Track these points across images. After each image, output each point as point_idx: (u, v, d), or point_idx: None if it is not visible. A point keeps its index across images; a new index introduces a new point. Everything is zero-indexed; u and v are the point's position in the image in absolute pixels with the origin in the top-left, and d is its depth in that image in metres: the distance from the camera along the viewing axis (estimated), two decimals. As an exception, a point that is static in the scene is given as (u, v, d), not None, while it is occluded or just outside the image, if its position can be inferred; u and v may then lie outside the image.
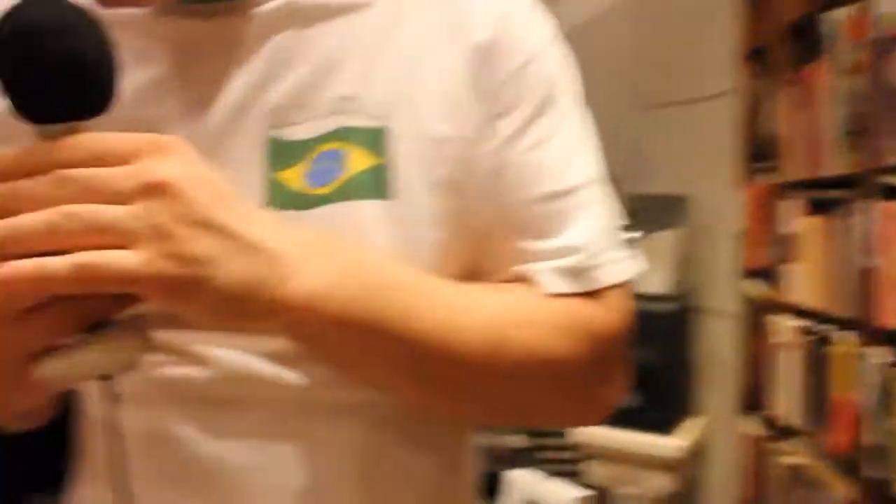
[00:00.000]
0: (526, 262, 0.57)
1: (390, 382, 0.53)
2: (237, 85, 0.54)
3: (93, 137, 0.41)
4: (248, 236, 0.43)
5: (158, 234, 0.39)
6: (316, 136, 0.54)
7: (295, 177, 0.53)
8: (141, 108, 0.53)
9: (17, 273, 0.38)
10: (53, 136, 0.40)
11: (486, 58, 0.56)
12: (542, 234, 0.57)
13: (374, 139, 0.54)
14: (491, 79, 0.57)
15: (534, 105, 0.58)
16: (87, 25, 0.41)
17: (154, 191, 0.40)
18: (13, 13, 0.39)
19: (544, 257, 0.56)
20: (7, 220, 0.38)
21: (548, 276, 0.56)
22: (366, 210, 0.53)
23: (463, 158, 0.55)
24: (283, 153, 0.53)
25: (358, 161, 0.53)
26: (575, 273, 0.56)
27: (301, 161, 0.53)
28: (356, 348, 0.50)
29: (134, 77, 0.52)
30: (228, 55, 0.54)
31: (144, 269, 0.39)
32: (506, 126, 0.57)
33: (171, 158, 0.41)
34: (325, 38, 0.55)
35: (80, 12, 0.41)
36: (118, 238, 0.39)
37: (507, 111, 0.57)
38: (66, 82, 0.40)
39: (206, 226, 0.41)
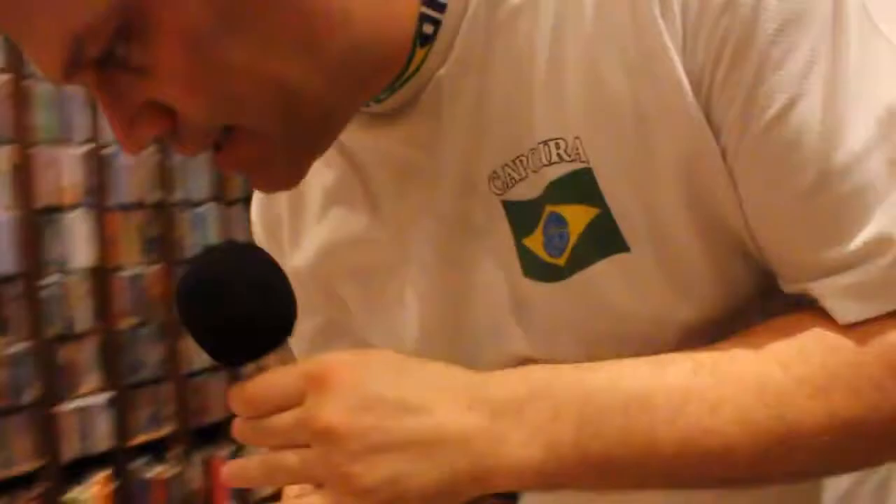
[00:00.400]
0: (804, 282, 0.43)
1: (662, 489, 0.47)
2: (450, 165, 0.50)
3: (268, 383, 0.45)
4: (430, 433, 0.43)
5: (339, 476, 0.42)
6: (536, 195, 0.48)
7: (538, 244, 0.49)
8: (375, 239, 0.55)
9: None
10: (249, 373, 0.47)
11: (670, 5, 0.40)
12: (820, 239, 0.41)
13: (582, 186, 0.45)
14: (694, 34, 0.40)
15: (766, 45, 0.40)
16: (253, 272, 0.46)
17: (323, 437, 0.42)
18: (182, 279, 0.46)
19: (829, 271, 0.41)
20: (233, 466, 0.47)
21: (840, 300, 0.41)
22: (604, 274, 0.46)
23: (690, 167, 0.43)
24: (522, 216, 0.49)
25: (577, 219, 0.46)
26: (884, 285, 0.40)
27: (538, 224, 0.48)
28: (602, 484, 0.45)
29: (351, 210, 0.55)
30: (429, 137, 0.50)
31: None
32: (732, 95, 0.41)
33: (330, 394, 0.43)
34: (505, 71, 0.46)
35: (243, 259, 0.47)
36: (310, 481, 0.44)
37: (730, 72, 0.40)
38: (238, 340, 0.45)
39: (382, 449, 0.42)
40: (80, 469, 2.87)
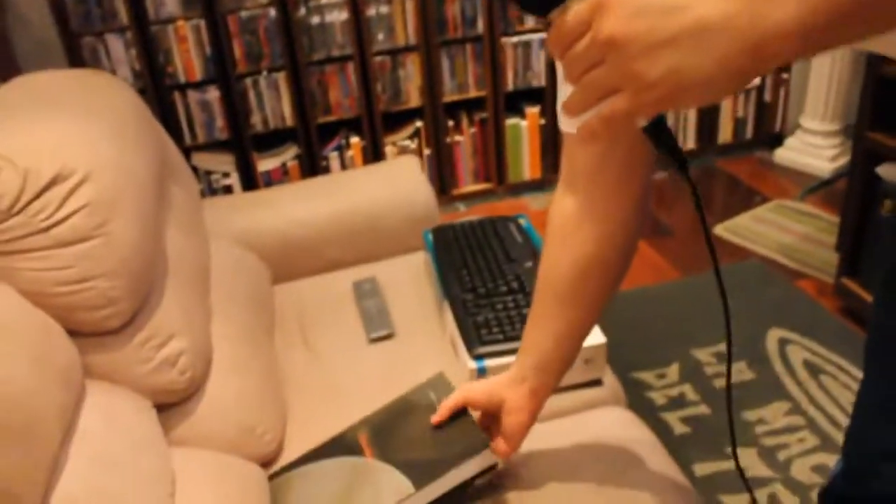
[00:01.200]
0: None
1: None
2: None
3: (566, 19, 0.53)
4: (695, 25, 0.47)
5: (629, 77, 0.50)
6: None
7: None
8: None
9: (586, 129, 0.55)
10: (556, 15, 0.55)
11: None
12: None
13: None
14: None
15: None
16: None
17: (608, 47, 0.50)
18: None
19: None
20: (564, 103, 0.56)
21: None
22: None
23: None
24: None
25: None
26: None
27: None
28: (861, 26, 0.47)
29: None
30: None
31: (635, 106, 0.51)
32: None
33: (607, 12, 0.49)
34: None
35: None
36: (611, 90, 0.52)
37: None
38: None
39: (657, 46, 0.48)
40: (518, 100, 3.17)
